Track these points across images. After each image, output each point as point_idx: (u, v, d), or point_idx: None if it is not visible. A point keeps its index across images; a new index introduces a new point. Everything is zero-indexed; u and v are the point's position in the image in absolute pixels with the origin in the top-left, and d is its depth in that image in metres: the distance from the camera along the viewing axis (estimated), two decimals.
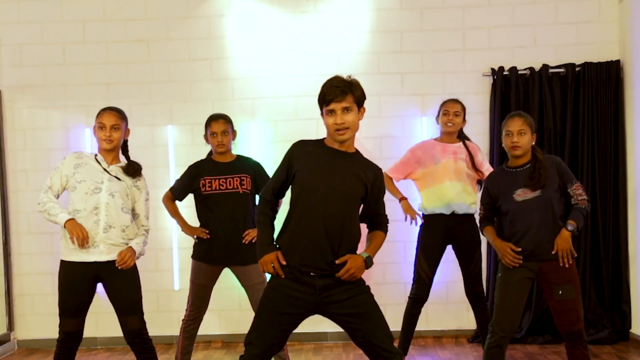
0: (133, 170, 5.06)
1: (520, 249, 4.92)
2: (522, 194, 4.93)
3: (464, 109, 5.97)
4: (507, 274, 4.99)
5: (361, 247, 4.15)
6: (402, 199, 5.96)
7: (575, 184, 4.97)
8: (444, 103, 5.98)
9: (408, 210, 5.93)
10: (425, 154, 5.95)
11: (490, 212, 5.17)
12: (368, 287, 4.16)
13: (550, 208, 4.92)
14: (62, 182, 4.97)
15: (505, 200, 4.99)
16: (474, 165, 5.91)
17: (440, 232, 5.90)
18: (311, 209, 4.01)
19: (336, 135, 4.02)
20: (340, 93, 4.00)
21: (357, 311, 4.05)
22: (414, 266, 6.00)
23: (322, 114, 4.09)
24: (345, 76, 4.10)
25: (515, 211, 4.94)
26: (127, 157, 5.17)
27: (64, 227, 4.88)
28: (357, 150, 4.18)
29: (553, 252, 4.88)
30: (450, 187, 5.86)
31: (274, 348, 4.09)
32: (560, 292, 4.88)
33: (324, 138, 4.17)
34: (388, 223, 4.32)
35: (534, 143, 5.01)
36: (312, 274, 4.00)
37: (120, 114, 5.04)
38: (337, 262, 4.02)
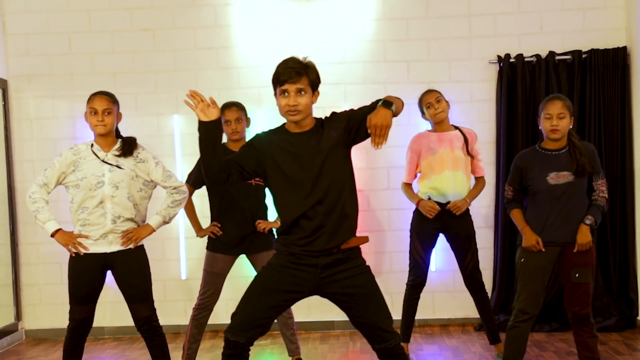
0: (128, 147, 4.98)
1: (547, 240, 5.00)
2: (555, 178, 4.95)
3: (440, 93, 5.94)
4: (529, 259, 5.03)
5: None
6: (419, 201, 5.94)
7: (602, 179, 5.03)
8: (422, 98, 5.96)
9: (430, 208, 5.88)
10: (422, 146, 5.95)
11: (520, 193, 5.18)
12: (368, 267, 4.13)
13: (580, 195, 4.98)
14: (59, 179, 4.95)
15: (537, 181, 5.01)
16: (468, 151, 5.90)
17: (434, 217, 5.89)
18: (297, 201, 3.98)
19: (288, 116, 3.95)
20: (295, 74, 3.92)
21: (356, 291, 4.02)
22: (409, 252, 6.02)
23: (275, 94, 4.02)
24: (301, 57, 4.02)
25: (546, 194, 4.98)
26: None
27: (52, 237, 4.92)
28: (315, 119, 4.07)
29: (575, 251, 4.95)
30: (449, 176, 5.85)
31: (259, 324, 4.02)
32: (577, 275, 4.96)
33: (284, 123, 4.10)
34: (392, 98, 4.06)
35: (571, 127, 5.04)
36: (316, 257, 3.99)
37: (111, 98, 4.99)
38: (342, 247, 4.01)
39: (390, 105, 3.90)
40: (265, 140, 4.07)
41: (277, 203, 4.11)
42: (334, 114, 4.11)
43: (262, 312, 4.01)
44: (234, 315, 4.05)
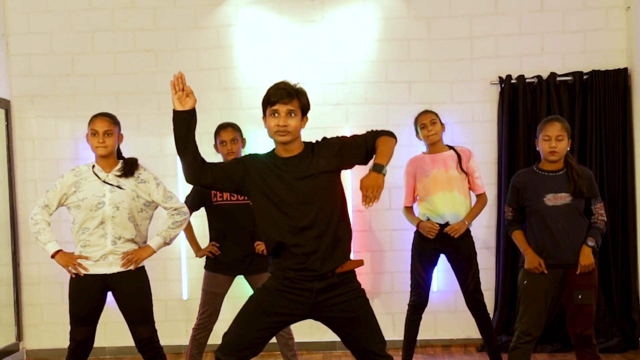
0: (130, 167, 5.00)
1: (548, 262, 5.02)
2: (552, 199, 4.98)
3: (437, 115, 5.98)
4: (532, 281, 5.05)
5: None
6: (419, 222, 5.95)
7: (600, 203, 5.07)
8: (417, 118, 5.99)
9: (429, 228, 5.89)
10: (416, 168, 5.99)
11: (519, 213, 5.20)
12: (363, 290, 4.13)
13: (578, 216, 4.99)
14: (60, 201, 4.97)
15: (534, 201, 5.04)
16: (461, 168, 5.91)
17: (434, 238, 5.89)
18: (285, 226, 3.99)
19: (276, 136, 3.97)
20: (287, 95, 3.96)
21: (351, 315, 4.03)
22: (410, 272, 6.02)
23: (264, 117, 4.04)
24: (292, 82, 4.06)
25: (543, 215, 5.00)
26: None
27: (52, 258, 4.93)
28: (304, 144, 4.10)
29: (577, 273, 4.96)
30: (442, 197, 5.87)
31: (250, 345, 4.01)
32: (579, 297, 4.99)
33: (274, 149, 4.12)
34: (384, 131, 4.13)
35: (568, 149, 5.07)
36: (311, 281, 3.99)
37: (112, 119, 5.01)
38: (337, 271, 4.01)
39: (382, 169, 3.89)
40: (256, 161, 4.09)
41: (263, 225, 4.10)
42: (324, 140, 4.13)
43: (254, 333, 4.01)
44: (225, 335, 4.05)
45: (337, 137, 4.14)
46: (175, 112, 3.94)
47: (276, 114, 3.96)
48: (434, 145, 5.96)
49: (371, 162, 3.99)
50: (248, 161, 4.11)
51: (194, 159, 4.00)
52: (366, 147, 4.08)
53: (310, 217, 3.96)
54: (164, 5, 7.26)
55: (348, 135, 4.23)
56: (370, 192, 3.82)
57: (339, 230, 4.03)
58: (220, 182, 4.07)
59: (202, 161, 4.03)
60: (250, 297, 4.16)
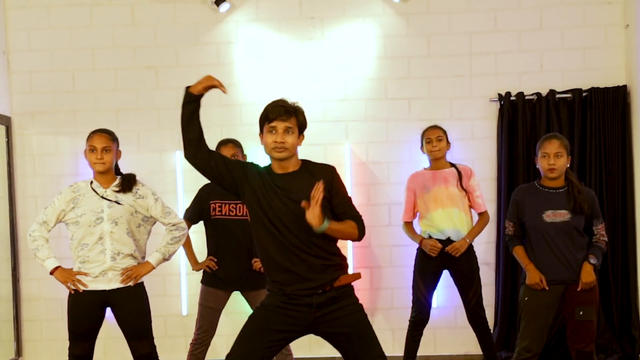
0: (127, 183, 5.03)
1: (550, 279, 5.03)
2: (551, 216, 5.00)
3: (445, 132, 6.01)
4: (533, 297, 5.06)
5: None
6: (421, 240, 5.96)
7: (601, 224, 5.09)
8: (425, 132, 6.04)
9: (431, 247, 5.89)
10: (417, 184, 6.01)
11: (520, 229, 5.21)
12: (361, 305, 4.15)
13: (577, 234, 5.01)
14: (59, 217, 4.98)
15: (533, 217, 5.05)
16: (461, 185, 5.93)
17: (437, 255, 5.89)
18: (275, 243, 4.02)
19: (273, 153, 4.01)
20: (285, 112, 4.01)
21: (350, 330, 4.04)
22: (412, 289, 6.03)
23: (261, 133, 4.08)
24: (290, 101, 4.10)
25: (541, 231, 5.02)
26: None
27: (51, 274, 4.94)
28: (302, 161, 4.14)
29: (579, 290, 4.97)
30: (442, 214, 5.89)
31: None
32: (581, 313, 5.00)
33: (270, 164, 4.16)
34: (364, 228, 4.17)
35: (568, 165, 5.08)
36: (310, 295, 4.01)
37: (110, 136, 5.03)
38: (335, 285, 4.03)
39: (327, 224, 3.89)
40: (255, 172, 4.12)
41: (256, 239, 4.15)
42: (331, 171, 4.14)
43: (257, 353, 4.02)
44: (228, 357, 4.05)
45: (342, 186, 4.17)
46: (189, 92, 4.13)
47: (274, 131, 4.00)
48: (437, 162, 5.98)
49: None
50: (248, 167, 4.16)
51: (197, 137, 4.10)
52: (343, 215, 4.11)
53: (299, 235, 3.98)
54: (165, 22, 7.29)
55: (347, 193, 4.25)
56: (310, 218, 3.82)
57: (330, 245, 4.07)
58: (217, 170, 4.09)
59: (206, 145, 4.12)
60: (250, 317, 4.17)
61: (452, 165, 6.03)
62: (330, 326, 4.05)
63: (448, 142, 6.02)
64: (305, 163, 4.16)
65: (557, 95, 7.02)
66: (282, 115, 3.99)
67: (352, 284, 4.16)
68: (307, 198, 3.86)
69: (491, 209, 6.90)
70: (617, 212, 6.98)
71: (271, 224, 4.01)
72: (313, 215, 3.79)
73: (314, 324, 4.05)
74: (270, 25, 7.27)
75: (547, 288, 5.02)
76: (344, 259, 4.17)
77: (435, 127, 6.03)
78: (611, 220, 6.95)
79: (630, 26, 6.96)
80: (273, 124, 4.00)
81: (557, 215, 4.99)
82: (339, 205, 4.11)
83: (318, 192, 3.82)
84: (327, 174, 4.10)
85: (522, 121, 7.03)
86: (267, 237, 4.04)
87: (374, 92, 7.24)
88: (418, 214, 6.07)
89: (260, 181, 4.06)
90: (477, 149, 7.15)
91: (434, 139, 5.94)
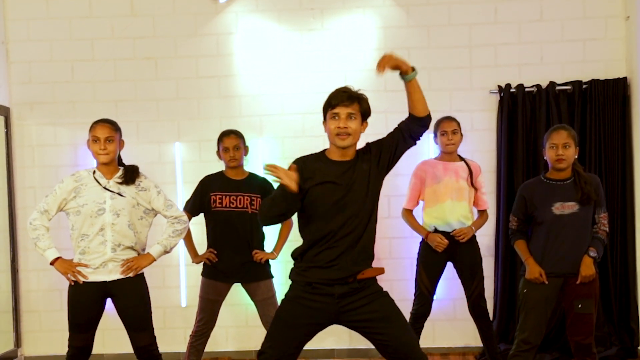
0: (130, 175, 5.01)
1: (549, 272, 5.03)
2: (560, 208, 5.00)
3: (459, 124, 6.00)
4: (532, 290, 5.06)
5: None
6: (427, 234, 5.96)
7: (604, 213, 5.09)
8: (440, 123, 6.00)
9: (437, 242, 5.89)
10: (427, 173, 5.98)
11: (524, 223, 5.21)
12: (386, 292, 4.15)
13: (584, 226, 5.01)
14: (60, 206, 4.95)
15: (542, 211, 5.05)
16: (472, 183, 5.93)
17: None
18: (319, 229, 4.03)
19: (337, 140, 4.01)
20: (347, 99, 4.02)
21: (376, 316, 4.04)
22: (415, 282, 6.02)
23: (324, 121, 4.08)
24: (354, 88, 4.11)
25: (551, 224, 5.01)
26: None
27: (51, 265, 4.92)
28: (356, 152, 4.15)
29: (578, 282, 4.97)
30: (451, 206, 5.88)
31: (289, 358, 4.09)
32: (580, 306, 5.00)
33: (325, 150, 4.16)
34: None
35: (576, 156, 5.08)
36: (331, 285, 4.01)
37: (113, 126, 5.01)
38: (358, 277, 4.03)
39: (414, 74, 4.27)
40: (307, 163, 4.10)
41: (301, 225, 4.16)
42: (368, 145, 4.17)
43: (289, 349, 4.07)
44: (260, 354, 4.08)
45: (378, 140, 4.22)
46: (287, 191, 3.90)
47: (336, 117, 4.00)
48: (449, 154, 5.97)
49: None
50: (301, 165, 4.11)
51: (284, 213, 4.07)
52: (392, 134, 4.21)
53: (341, 222, 3.99)
54: (164, 13, 7.27)
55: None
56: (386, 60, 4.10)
57: (365, 238, 4.08)
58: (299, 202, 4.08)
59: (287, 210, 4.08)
60: (277, 313, 4.19)
61: (462, 159, 6.02)
62: (354, 315, 4.05)
63: (461, 135, 6.01)
64: (357, 152, 4.17)
65: (557, 87, 7.01)
66: (345, 101, 4.01)
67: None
68: (363, 187, 3.99)
69: (490, 200, 6.89)
70: (616, 205, 6.97)
71: (319, 207, 4.02)
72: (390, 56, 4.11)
73: (338, 314, 4.06)
74: (270, 16, 7.25)
75: (546, 282, 5.02)
76: (372, 254, 4.18)
77: (450, 119, 6.00)
78: (611, 212, 6.90)
79: (630, 18, 6.94)
80: (336, 110, 4.01)
81: (565, 207, 4.99)
82: (385, 139, 4.21)
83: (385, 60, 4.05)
84: (371, 151, 4.15)
85: (522, 113, 7.02)
86: (312, 222, 4.05)
87: (373, 84, 7.17)
88: (422, 203, 6.05)
89: (316, 170, 4.06)
90: (476, 141, 7.13)
91: (450, 132, 5.93)
